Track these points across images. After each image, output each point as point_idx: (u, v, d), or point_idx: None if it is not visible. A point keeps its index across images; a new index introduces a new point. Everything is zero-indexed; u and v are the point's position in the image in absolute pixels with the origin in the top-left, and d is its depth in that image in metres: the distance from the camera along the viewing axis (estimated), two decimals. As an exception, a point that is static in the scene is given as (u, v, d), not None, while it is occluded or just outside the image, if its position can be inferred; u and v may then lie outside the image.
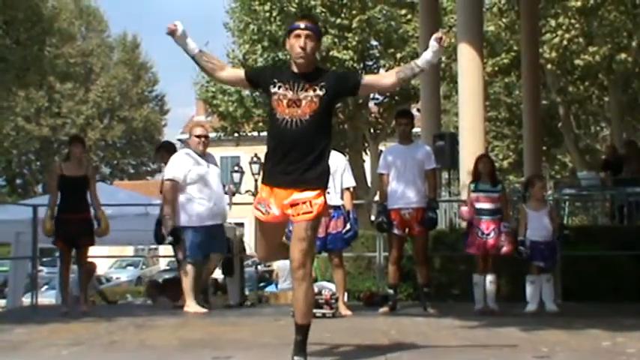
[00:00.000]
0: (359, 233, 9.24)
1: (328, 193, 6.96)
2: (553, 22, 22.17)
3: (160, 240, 9.47)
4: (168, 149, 9.93)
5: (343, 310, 8.46)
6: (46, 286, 20.40)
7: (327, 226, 8.35)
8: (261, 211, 5.22)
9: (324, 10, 23.20)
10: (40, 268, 16.58)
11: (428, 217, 8.66)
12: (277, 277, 15.57)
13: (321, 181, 5.14)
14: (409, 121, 8.95)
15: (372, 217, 17.33)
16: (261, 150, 5.44)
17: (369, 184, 26.31)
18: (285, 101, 5.09)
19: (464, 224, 9.22)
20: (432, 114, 15.27)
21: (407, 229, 8.72)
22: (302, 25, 5.11)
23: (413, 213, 8.62)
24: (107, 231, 9.31)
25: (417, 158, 8.70)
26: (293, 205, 5.07)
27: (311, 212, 5.04)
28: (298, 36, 5.08)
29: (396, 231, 8.71)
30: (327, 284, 9.28)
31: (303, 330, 5.14)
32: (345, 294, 9.64)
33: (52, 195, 9.36)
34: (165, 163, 9.54)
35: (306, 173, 5.08)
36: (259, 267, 14.71)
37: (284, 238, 5.58)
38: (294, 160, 5.08)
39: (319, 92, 5.06)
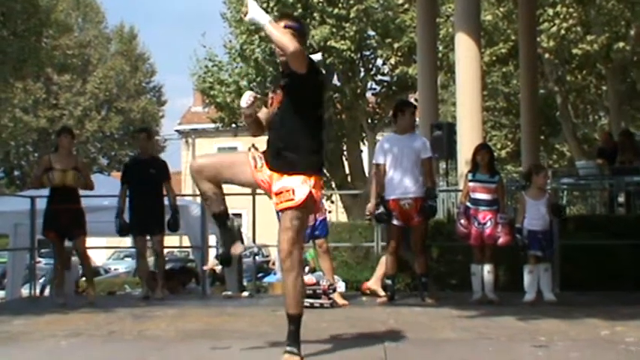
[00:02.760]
0: (357, 223, 9.23)
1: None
2: (551, 11, 22.09)
3: (122, 231, 9.60)
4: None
5: (339, 300, 8.46)
6: (44, 278, 20.36)
7: (315, 213, 8.44)
8: (255, 160, 5.30)
9: (321, 0, 23.15)
10: (39, 259, 16.58)
11: (428, 206, 8.64)
12: (275, 266, 15.57)
13: (301, 165, 5.18)
14: (414, 110, 8.99)
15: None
16: (259, 140, 5.47)
17: (367, 174, 26.29)
18: (270, 100, 5.38)
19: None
20: (430, 104, 15.23)
21: (406, 220, 8.70)
22: (281, 24, 5.26)
23: (412, 203, 8.60)
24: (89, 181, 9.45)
25: (414, 147, 8.69)
26: (277, 194, 5.14)
27: (292, 200, 5.09)
28: None
29: (395, 222, 8.69)
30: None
31: (294, 319, 5.15)
32: (343, 283, 9.65)
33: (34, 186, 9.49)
34: (142, 150, 9.78)
35: (287, 162, 5.17)
36: (257, 257, 14.70)
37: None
38: (275, 147, 5.25)
39: (282, 83, 5.26)
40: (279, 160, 5.20)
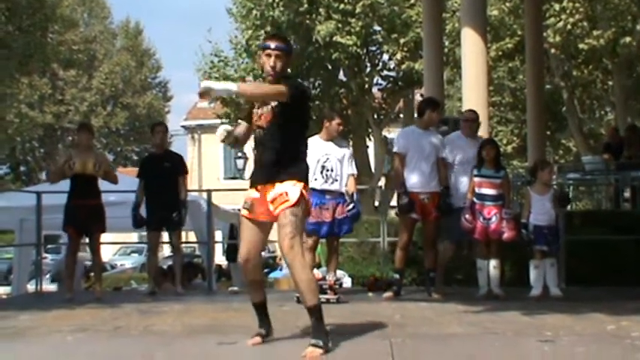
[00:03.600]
0: (363, 218, 9.20)
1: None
2: (557, 6, 22.04)
3: (138, 224, 9.62)
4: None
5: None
6: (50, 273, 20.42)
7: (335, 211, 8.41)
8: (246, 209, 5.51)
9: (327, -5, 23.14)
10: (45, 255, 16.63)
11: (444, 202, 8.65)
12: (282, 262, 15.57)
13: (293, 175, 5.38)
14: (440, 110, 9.00)
15: (377, 203, 17.23)
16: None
17: (373, 170, 26.29)
18: (255, 117, 5.54)
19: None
20: (436, 99, 15.21)
21: (424, 214, 8.71)
22: (272, 45, 5.42)
23: (431, 198, 8.63)
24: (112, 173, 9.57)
25: (434, 143, 8.72)
26: (272, 201, 5.33)
27: (288, 200, 5.28)
28: (269, 55, 5.40)
29: (414, 215, 8.70)
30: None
31: (312, 311, 5.21)
32: (349, 279, 9.63)
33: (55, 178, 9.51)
34: (160, 143, 9.78)
35: (278, 172, 5.37)
36: (262, 253, 14.74)
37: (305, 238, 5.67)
38: (265, 162, 5.44)
39: (272, 104, 5.40)
40: (271, 171, 5.40)
